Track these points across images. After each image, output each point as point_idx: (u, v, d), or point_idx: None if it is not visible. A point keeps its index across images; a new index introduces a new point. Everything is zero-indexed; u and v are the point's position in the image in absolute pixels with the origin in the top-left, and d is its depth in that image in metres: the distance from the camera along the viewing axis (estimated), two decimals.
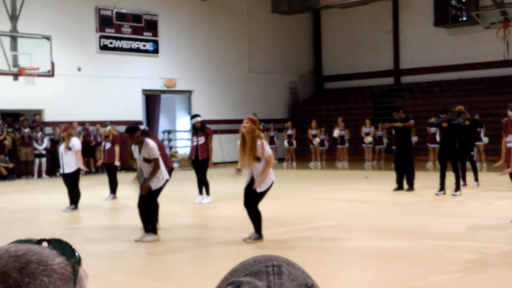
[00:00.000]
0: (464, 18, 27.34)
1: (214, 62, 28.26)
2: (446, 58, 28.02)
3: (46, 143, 22.50)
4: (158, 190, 9.41)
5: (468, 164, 15.89)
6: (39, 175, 22.33)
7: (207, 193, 13.84)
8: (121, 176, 15.93)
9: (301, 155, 27.76)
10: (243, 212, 9.26)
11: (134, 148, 9.35)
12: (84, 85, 24.32)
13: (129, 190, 11.82)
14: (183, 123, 29.98)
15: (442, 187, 14.12)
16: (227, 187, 15.72)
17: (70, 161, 12.84)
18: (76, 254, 0.89)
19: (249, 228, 9.08)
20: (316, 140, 26.32)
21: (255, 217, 8.91)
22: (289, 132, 27.00)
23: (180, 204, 13.55)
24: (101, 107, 24.42)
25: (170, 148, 26.83)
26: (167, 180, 9.53)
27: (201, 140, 13.75)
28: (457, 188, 14.03)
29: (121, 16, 25.44)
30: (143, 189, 9.26)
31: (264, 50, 30.22)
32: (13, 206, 14.10)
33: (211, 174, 14.48)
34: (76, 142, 12.96)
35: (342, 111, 28.33)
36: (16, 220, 11.97)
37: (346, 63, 31.21)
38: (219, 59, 28.43)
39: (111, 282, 7.08)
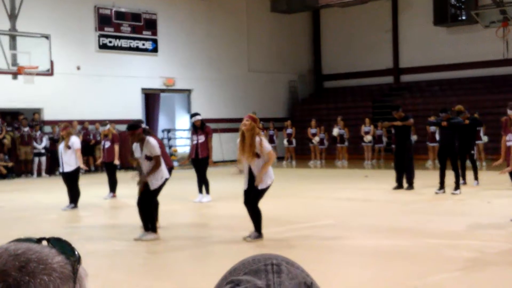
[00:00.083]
0: (464, 17, 27.33)
1: (213, 61, 28.26)
2: (445, 57, 28.02)
3: (45, 142, 22.50)
4: (158, 189, 9.41)
5: (468, 163, 15.89)
6: (39, 174, 22.33)
7: (207, 191, 13.84)
8: (120, 175, 15.93)
9: (300, 154, 27.76)
10: (243, 211, 9.27)
11: (135, 147, 9.36)
12: (83, 84, 24.32)
13: (128, 188, 11.82)
14: (183, 122, 29.98)
15: (441, 185, 14.13)
16: (227, 186, 15.73)
17: (69, 160, 12.84)
18: (76, 252, 0.89)
19: (249, 226, 9.08)
20: (316, 139, 26.33)
21: (255, 216, 8.92)
22: (289, 131, 27.01)
23: (180, 203, 13.55)
24: (100, 106, 24.42)
25: (170, 147, 26.82)
26: (166, 179, 9.53)
27: (201, 138, 13.75)
28: (457, 186, 14.03)
29: (120, 15, 25.44)
30: (139, 182, 9.27)
31: (263, 49, 30.22)
32: (13, 205, 14.10)
33: (211, 173, 14.47)
34: (75, 141, 12.96)
35: (342, 110, 28.33)
36: (16, 219, 11.97)
37: (345, 62, 31.21)
38: (218, 58, 28.43)
39: (111, 280, 7.08)
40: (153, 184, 9.28)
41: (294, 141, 27.04)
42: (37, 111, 23.20)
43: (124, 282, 7.10)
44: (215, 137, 19.97)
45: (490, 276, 6.92)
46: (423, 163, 22.31)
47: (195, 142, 13.86)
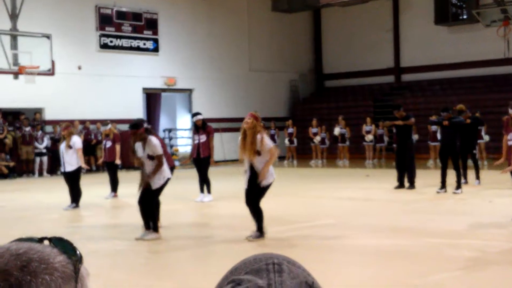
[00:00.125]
0: (465, 16, 27.32)
1: (214, 60, 28.26)
2: (446, 56, 28.01)
3: (46, 141, 22.51)
4: (160, 188, 9.41)
5: (470, 162, 15.88)
6: (40, 174, 22.34)
7: (208, 191, 13.85)
8: (121, 175, 15.94)
9: (301, 153, 27.76)
10: (244, 210, 9.27)
11: (138, 146, 9.36)
12: (84, 83, 24.32)
13: (129, 188, 11.83)
14: (184, 121, 29.98)
15: (443, 185, 14.12)
16: (228, 185, 15.73)
17: (71, 159, 12.85)
18: (78, 252, 0.89)
19: (250, 226, 9.09)
20: (317, 138, 26.33)
21: (257, 215, 8.92)
22: (290, 130, 27.00)
23: (181, 202, 13.55)
24: (101, 105, 24.43)
25: (171, 146, 26.81)
26: (168, 179, 9.52)
27: (203, 138, 13.75)
28: (458, 186, 14.03)
29: (121, 15, 25.44)
30: (141, 184, 9.27)
31: (264, 48, 30.22)
32: (14, 205, 14.11)
33: (212, 172, 14.48)
34: (77, 141, 12.96)
35: (343, 109, 28.32)
36: (17, 218, 11.98)
37: (346, 61, 31.20)
38: (219, 58, 28.43)
39: (112, 280, 7.08)
40: (155, 183, 9.28)
41: (295, 140, 27.03)
42: (38, 111, 23.21)
43: (125, 281, 7.10)
44: (217, 137, 19.96)
45: (491, 275, 6.92)
46: (424, 162, 22.30)
47: (196, 141, 13.86)
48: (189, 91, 27.94)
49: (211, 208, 13.07)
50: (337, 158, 26.14)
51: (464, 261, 7.44)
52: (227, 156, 26.41)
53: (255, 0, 29.78)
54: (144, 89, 26.45)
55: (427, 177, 16.51)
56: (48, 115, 23.50)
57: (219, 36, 28.44)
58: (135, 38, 25.81)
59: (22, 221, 11.68)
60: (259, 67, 29.96)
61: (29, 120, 22.62)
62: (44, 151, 22.44)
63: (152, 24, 26.28)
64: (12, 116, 22.79)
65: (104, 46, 25.02)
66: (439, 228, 9.67)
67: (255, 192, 8.87)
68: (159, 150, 9.24)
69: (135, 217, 10.04)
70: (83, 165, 13.21)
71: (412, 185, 15.07)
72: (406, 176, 15.16)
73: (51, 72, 19.11)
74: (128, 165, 21.19)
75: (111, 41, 25.19)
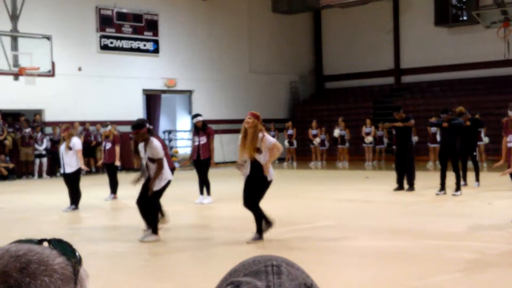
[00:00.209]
0: (465, 18, 27.33)
1: (214, 62, 28.27)
2: (446, 57, 28.02)
3: (46, 143, 22.51)
4: (161, 190, 9.40)
5: (470, 164, 15.87)
6: (40, 175, 22.34)
7: (208, 193, 13.84)
8: (121, 176, 15.93)
9: (301, 155, 27.76)
10: (244, 212, 9.27)
11: (141, 146, 9.36)
12: (84, 85, 24.33)
13: (129, 190, 11.82)
14: (184, 123, 29.98)
15: (442, 187, 14.12)
16: (228, 187, 15.72)
17: (70, 161, 12.84)
18: (77, 254, 0.90)
19: (250, 228, 9.08)
20: (317, 140, 26.32)
21: (258, 216, 8.91)
22: (290, 132, 27.00)
23: (181, 204, 13.54)
24: (101, 107, 24.43)
25: (171, 148, 26.82)
26: (169, 181, 9.51)
27: (203, 140, 13.74)
28: (458, 188, 14.02)
29: (122, 16, 25.45)
30: (148, 191, 9.27)
31: (264, 49, 30.23)
32: (14, 206, 14.10)
33: (212, 174, 14.48)
34: (76, 142, 12.96)
35: (343, 111, 28.33)
36: (17, 220, 11.97)
37: (346, 62, 31.21)
38: (219, 59, 28.44)
39: (112, 282, 7.08)
40: (156, 185, 9.27)
41: (295, 142, 27.03)
42: (38, 112, 23.21)
43: (125, 283, 7.10)
44: (216, 138, 19.94)
45: (491, 277, 6.92)
46: (424, 164, 22.29)
47: (196, 143, 13.86)
48: (189, 92, 27.95)
49: (210, 210, 13.07)
50: (337, 159, 26.14)
51: (464, 263, 7.43)
52: (226, 158, 26.40)
53: (255, 1, 29.80)
54: (144, 91, 26.46)
55: (426, 179, 16.51)
56: (48, 117, 23.50)
57: (219, 37, 28.45)
58: (135, 39, 25.82)
59: (21, 222, 11.68)
60: (259, 69, 29.97)
61: (29, 121, 22.62)
62: (44, 152, 22.44)
63: (152, 25, 26.29)
64: (12, 117, 22.79)
65: (104, 47, 25.03)
66: (438, 230, 9.67)
67: (253, 193, 8.86)
68: (160, 154, 9.23)
69: (135, 219, 10.04)
70: (83, 167, 13.21)
71: (411, 187, 15.07)
72: (405, 178, 15.16)
73: (51, 74, 19.11)
74: (128, 167, 21.21)
75: (111, 42, 25.19)
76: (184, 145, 28.60)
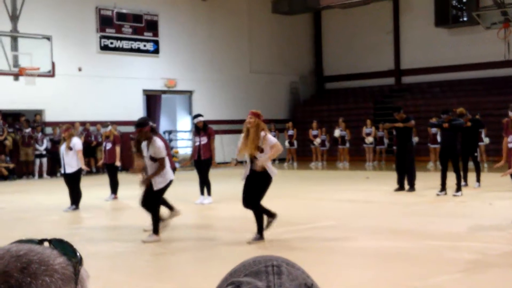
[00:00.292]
0: (465, 19, 27.35)
1: (214, 62, 28.27)
2: (447, 58, 28.02)
3: (46, 143, 22.52)
4: (162, 190, 9.39)
5: (471, 164, 15.87)
6: (40, 175, 22.35)
7: (209, 193, 13.84)
8: (122, 176, 15.93)
9: (302, 155, 27.76)
10: (244, 213, 9.27)
11: (144, 145, 9.34)
12: (84, 85, 24.33)
13: (130, 190, 11.83)
14: (184, 123, 29.98)
15: (443, 187, 14.12)
16: (229, 187, 15.72)
17: (71, 161, 12.85)
18: (78, 254, 0.90)
19: (251, 228, 9.08)
20: (317, 141, 26.33)
21: (259, 215, 8.91)
22: (290, 132, 27.00)
23: (181, 205, 13.49)
24: (101, 107, 24.44)
25: (171, 148, 26.82)
26: (171, 181, 9.50)
27: (204, 140, 13.74)
28: (458, 188, 14.02)
29: (122, 16, 25.46)
30: (143, 181, 9.26)
31: (265, 50, 30.23)
32: (14, 206, 14.11)
33: (213, 174, 14.48)
34: (77, 142, 12.97)
35: (343, 112, 28.33)
36: (17, 220, 11.98)
37: (347, 63, 31.21)
38: (219, 59, 28.45)
39: (112, 282, 7.08)
40: (157, 184, 9.26)
41: (295, 142, 27.03)
42: (39, 113, 23.22)
43: (125, 283, 7.10)
44: (217, 139, 19.95)
45: (492, 278, 6.92)
46: (424, 164, 22.29)
47: (197, 143, 13.86)
48: (189, 93, 27.95)
49: (211, 210, 13.07)
50: (337, 160, 26.14)
51: (464, 264, 7.43)
52: (227, 158, 26.39)
53: (256, 2, 29.80)
54: (144, 91, 26.46)
55: (427, 180, 16.51)
56: (48, 117, 23.50)
57: (219, 38, 28.46)
58: (135, 40, 25.82)
59: (22, 222, 11.68)
60: (259, 69, 29.97)
61: (29, 121, 22.63)
62: (44, 152, 22.45)
63: (152, 26, 26.29)
64: (12, 117, 22.80)
65: (104, 48, 25.04)
66: (439, 230, 9.67)
67: (254, 191, 8.86)
68: (162, 153, 9.22)
69: (135, 219, 10.05)
70: (83, 167, 13.21)
71: (412, 188, 15.07)
72: (406, 178, 15.16)
73: (51, 74, 19.12)
74: (128, 167, 21.18)
75: (111, 43, 25.20)
76: (184, 146, 28.60)
